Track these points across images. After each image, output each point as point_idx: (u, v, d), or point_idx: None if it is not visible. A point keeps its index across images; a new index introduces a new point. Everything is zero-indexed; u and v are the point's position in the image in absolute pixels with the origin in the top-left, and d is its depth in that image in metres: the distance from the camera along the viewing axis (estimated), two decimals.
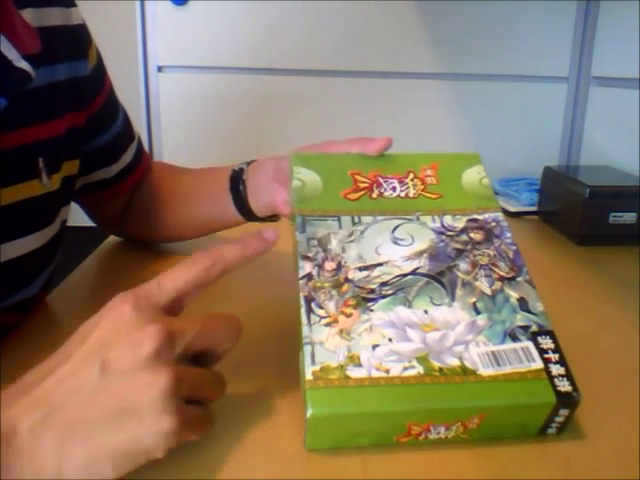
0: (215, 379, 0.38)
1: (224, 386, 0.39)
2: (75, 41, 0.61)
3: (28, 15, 0.54)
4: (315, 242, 0.46)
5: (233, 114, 1.30)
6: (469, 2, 1.24)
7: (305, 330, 0.41)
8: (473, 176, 0.52)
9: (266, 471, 0.38)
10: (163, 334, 0.34)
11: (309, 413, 0.37)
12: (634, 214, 0.84)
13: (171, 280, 0.37)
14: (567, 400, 0.39)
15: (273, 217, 0.66)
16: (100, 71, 0.66)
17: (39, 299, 0.61)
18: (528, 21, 1.25)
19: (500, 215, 0.50)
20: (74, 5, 0.61)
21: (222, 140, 1.32)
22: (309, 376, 0.38)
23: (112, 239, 0.83)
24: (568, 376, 0.40)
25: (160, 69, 1.28)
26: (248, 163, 0.66)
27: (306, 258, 0.45)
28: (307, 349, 0.40)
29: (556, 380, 0.39)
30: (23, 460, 0.32)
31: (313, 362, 0.39)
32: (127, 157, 0.72)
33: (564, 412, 0.40)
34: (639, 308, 0.63)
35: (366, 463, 0.39)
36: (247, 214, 0.67)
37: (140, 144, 0.76)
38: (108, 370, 0.33)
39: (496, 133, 1.31)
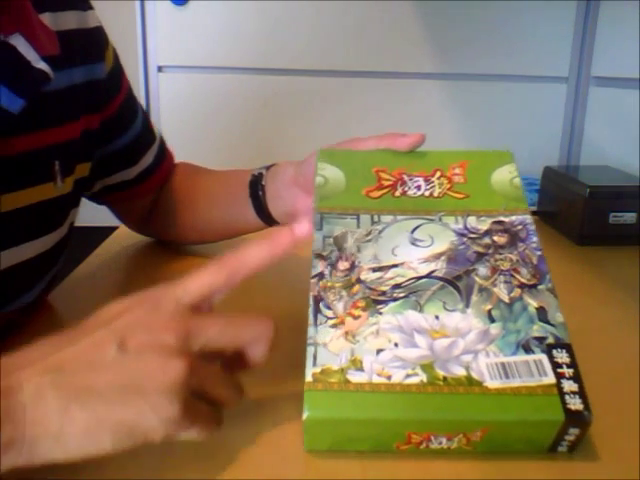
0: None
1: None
2: (92, 44, 0.61)
3: (46, 19, 0.53)
4: (331, 240, 0.45)
5: (233, 114, 1.30)
6: (469, 2, 1.24)
7: (311, 330, 0.40)
8: (504, 175, 0.50)
9: (266, 471, 0.38)
10: (182, 329, 0.35)
11: (305, 415, 0.37)
12: (634, 214, 0.84)
13: (196, 284, 0.38)
14: (577, 419, 0.36)
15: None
16: (117, 73, 0.66)
17: (39, 301, 0.61)
18: (528, 21, 1.25)
19: (528, 218, 0.47)
20: (91, 8, 0.61)
21: (222, 140, 1.32)
22: (309, 378, 0.38)
23: (112, 239, 0.83)
24: (581, 394, 0.37)
25: (160, 69, 1.28)
26: (267, 167, 0.65)
27: (320, 257, 0.44)
28: (310, 350, 0.39)
29: (567, 397, 0.37)
30: (27, 414, 0.32)
31: (314, 364, 0.38)
32: (147, 159, 0.71)
33: (574, 431, 0.37)
34: (639, 308, 0.63)
35: (366, 464, 0.39)
36: (267, 220, 0.65)
37: (162, 145, 0.74)
38: (125, 350, 0.35)
39: (496, 133, 1.31)
